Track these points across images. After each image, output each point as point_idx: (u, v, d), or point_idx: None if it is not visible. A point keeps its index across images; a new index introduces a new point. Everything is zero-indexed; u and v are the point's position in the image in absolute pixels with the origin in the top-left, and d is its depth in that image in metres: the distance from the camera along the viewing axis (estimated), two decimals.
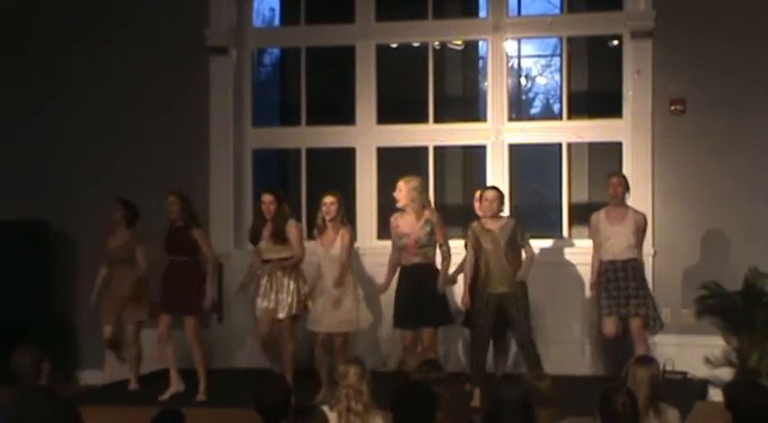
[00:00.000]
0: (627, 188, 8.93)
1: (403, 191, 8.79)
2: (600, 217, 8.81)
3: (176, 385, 9.11)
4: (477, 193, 8.93)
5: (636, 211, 8.93)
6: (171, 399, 8.88)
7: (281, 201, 9.01)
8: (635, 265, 8.70)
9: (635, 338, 8.55)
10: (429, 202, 9.10)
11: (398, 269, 8.87)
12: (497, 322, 8.64)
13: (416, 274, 8.75)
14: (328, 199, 8.86)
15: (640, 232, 8.81)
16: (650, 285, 9.62)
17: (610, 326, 8.62)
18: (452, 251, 8.87)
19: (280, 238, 8.92)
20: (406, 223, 8.82)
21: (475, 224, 8.77)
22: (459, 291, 9.09)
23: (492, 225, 8.68)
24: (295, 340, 9.08)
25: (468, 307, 8.75)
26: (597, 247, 8.77)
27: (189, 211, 9.11)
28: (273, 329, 9.01)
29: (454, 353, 9.98)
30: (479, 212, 8.77)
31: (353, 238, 9.16)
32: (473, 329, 8.80)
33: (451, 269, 8.96)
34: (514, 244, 8.63)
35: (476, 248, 8.69)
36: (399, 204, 8.84)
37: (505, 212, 8.89)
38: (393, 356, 9.64)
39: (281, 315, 8.92)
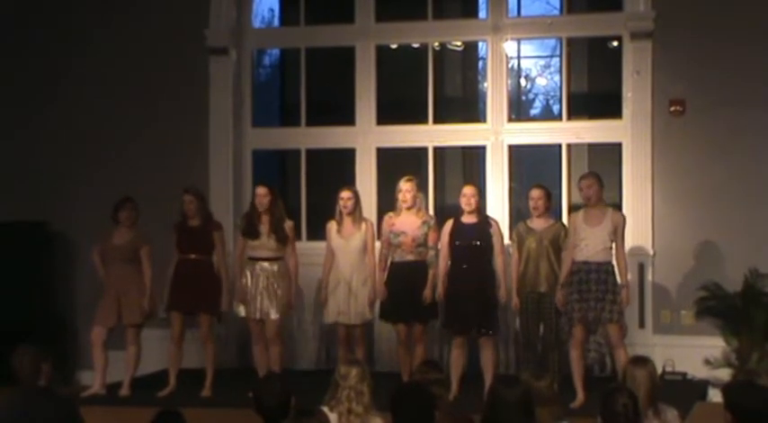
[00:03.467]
0: (601, 186, 8.73)
1: (411, 191, 8.96)
2: (578, 217, 8.62)
3: (175, 386, 9.12)
4: (533, 192, 8.91)
5: (614, 211, 8.76)
6: (169, 396, 8.91)
7: (275, 196, 9.05)
8: (608, 269, 8.47)
9: (614, 344, 8.45)
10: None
11: (388, 265, 9.07)
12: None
13: (409, 270, 8.95)
14: (345, 194, 9.11)
15: (619, 233, 8.52)
16: (650, 286, 9.67)
17: (579, 333, 8.53)
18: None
19: (281, 234, 8.94)
20: (404, 222, 9.00)
21: (520, 223, 8.99)
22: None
23: (537, 225, 8.84)
24: (283, 342, 9.21)
25: (518, 307, 8.88)
26: (572, 248, 8.59)
27: (206, 210, 9.19)
28: (262, 330, 9.05)
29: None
30: (465, 208, 8.83)
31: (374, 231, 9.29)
32: (520, 329, 9.04)
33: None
34: (557, 245, 8.78)
35: (519, 247, 8.84)
36: (406, 205, 8.93)
37: (502, 212, 8.91)
38: (386, 352, 9.84)
39: (274, 316, 8.96)
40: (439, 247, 8.98)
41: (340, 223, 9.13)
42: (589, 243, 8.50)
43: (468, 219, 8.86)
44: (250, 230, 9.04)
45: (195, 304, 9.05)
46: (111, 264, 9.14)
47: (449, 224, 8.92)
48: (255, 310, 8.97)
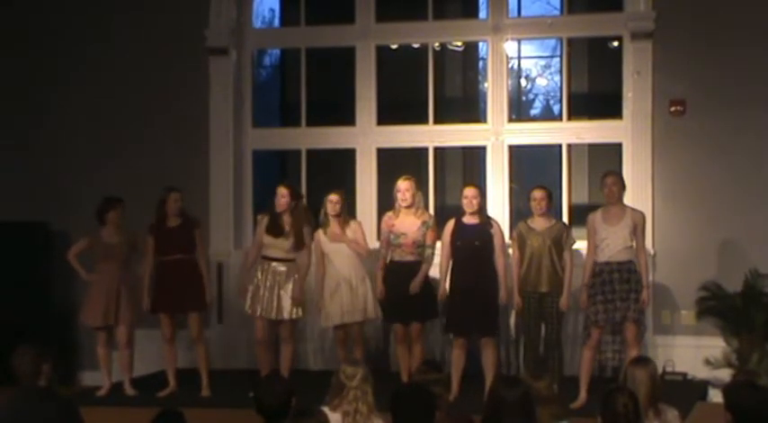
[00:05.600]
0: (623, 187, 8.78)
1: (410, 190, 8.96)
2: (596, 217, 8.61)
3: (174, 386, 9.15)
4: (536, 193, 8.91)
5: (634, 210, 8.75)
6: (170, 396, 8.92)
7: (296, 199, 9.07)
8: (630, 268, 8.48)
9: (630, 343, 8.45)
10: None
11: (387, 263, 9.07)
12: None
13: (408, 270, 8.95)
14: (333, 197, 9.10)
15: (639, 231, 8.56)
16: (650, 286, 9.66)
17: (597, 334, 8.54)
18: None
19: (298, 239, 8.94)
20: (403, 223, 9.00)
21: (521, 223, 8.97)
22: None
23: (538, 224, 8.83)
24: (295, 341, 9.21)
25: (520, 306, 8.90)
26: (592, 249, 8.59)
27: (184, 210, 9.17)
28: (272, 331, 9.04)
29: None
30: (467, 209, 8.82)
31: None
32: (522, 329, 9.08)
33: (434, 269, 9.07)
34: (559, 245, 8.77)
35: (520, 247, 8.82)
36: (405, 203, 8.93)
37: (502, 212, 8.90)
38: (385, 352, 9.87)
39: (287, 316, 8.96)
40: (437, 245, 8.98)
41: (326, 227, 9.12)
42: (610, 243, 8.48)
43: (469, 219, 8.86)
44: (273, 228, 8.99)
45: (184, 305, 9.04)
46: (104, 263, 9.13)
47: (450, 224, 8.91)
48: (266, 310, 8.96)
